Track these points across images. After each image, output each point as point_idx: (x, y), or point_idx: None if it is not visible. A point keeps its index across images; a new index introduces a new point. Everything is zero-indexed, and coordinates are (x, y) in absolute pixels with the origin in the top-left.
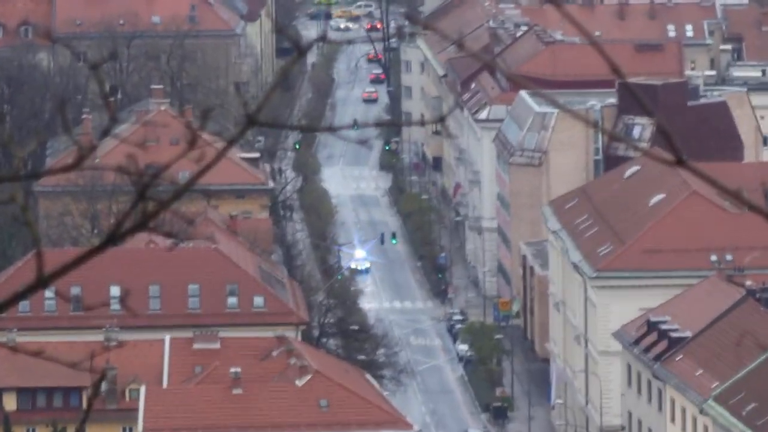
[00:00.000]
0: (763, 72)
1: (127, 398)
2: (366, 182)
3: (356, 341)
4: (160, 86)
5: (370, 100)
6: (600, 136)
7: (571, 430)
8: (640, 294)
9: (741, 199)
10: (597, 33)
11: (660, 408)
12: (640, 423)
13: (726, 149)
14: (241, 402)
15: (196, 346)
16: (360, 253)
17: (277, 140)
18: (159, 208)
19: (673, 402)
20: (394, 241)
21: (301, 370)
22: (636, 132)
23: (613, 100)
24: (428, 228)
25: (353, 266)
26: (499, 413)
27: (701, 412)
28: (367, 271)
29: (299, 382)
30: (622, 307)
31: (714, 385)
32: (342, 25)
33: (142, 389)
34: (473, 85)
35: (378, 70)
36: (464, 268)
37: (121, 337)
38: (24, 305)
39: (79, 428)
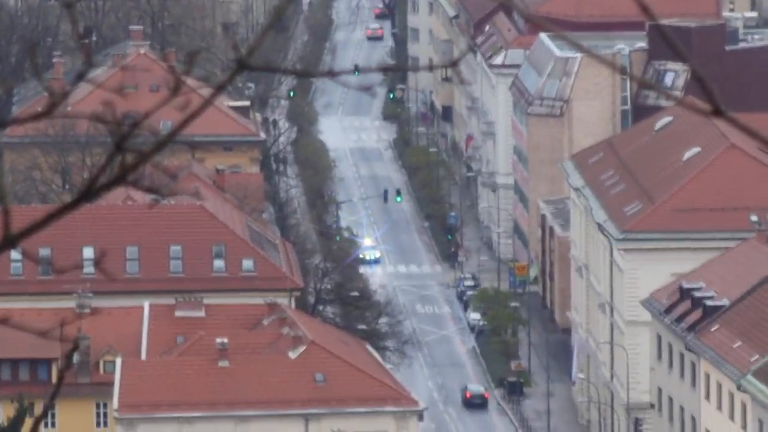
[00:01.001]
0: None
1: (102, 371)
2: (368, 134)
3: (356, 309)
4: (140, 27)
5: (375, 38)
6: (628, 83)
7: (594, 407)
8: (671, 258)
9: None
10: None
11: (693, 384)
12: (671, 400)
13: None
14: (227, 376)
15: (178, 313)
16: (369, 240)
17: (269, 87)
18: (138, 161)
19: (707, 377)
20: (398, 199)
21: (295, 340)
22: (668, 79)
23: (642, 44)
24: (437, 184)
25: (362, 255)
26: (515, 389)
27: (739, 388)
28: (377, 261)
29: (292, 354)
30: (651, 272)
31: (753, 358)
32: None
33: (118, 361)
34: (487, 27)
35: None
36: (476, 229)
37: (95, 303)
38: None
39: (47, 404)
